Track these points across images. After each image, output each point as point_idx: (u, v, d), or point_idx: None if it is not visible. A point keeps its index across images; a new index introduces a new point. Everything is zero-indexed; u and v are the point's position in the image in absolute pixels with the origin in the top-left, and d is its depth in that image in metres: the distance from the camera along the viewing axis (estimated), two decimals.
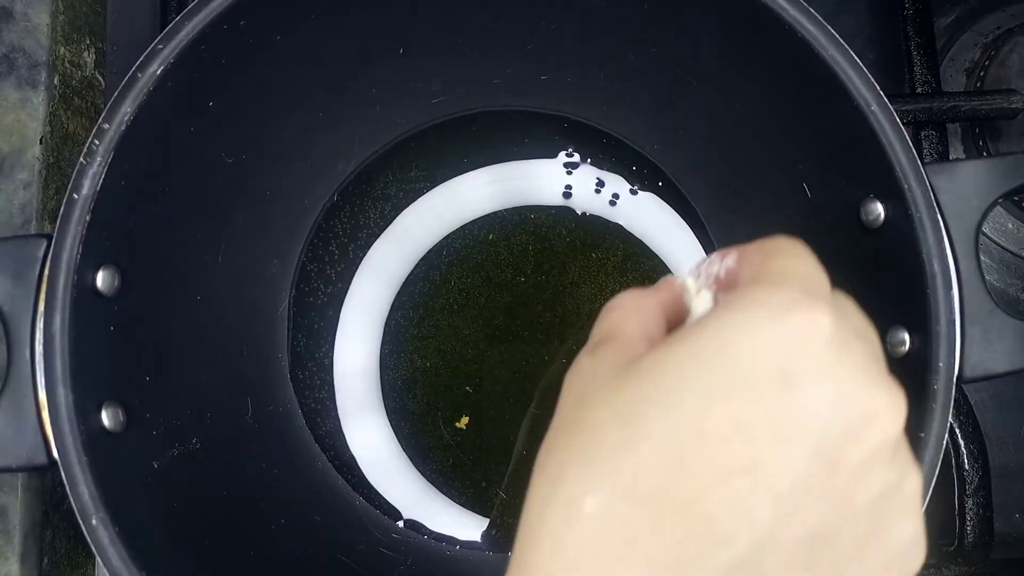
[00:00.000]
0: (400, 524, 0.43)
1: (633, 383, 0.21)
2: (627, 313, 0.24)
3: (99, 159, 0.32)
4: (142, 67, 0.33)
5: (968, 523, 0.41)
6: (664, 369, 0.20)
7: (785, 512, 0.20)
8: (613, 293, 0.44)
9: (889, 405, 0.21)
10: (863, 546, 0.21)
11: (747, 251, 0.23)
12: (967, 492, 0.41)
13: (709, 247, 0.45)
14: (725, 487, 0.20)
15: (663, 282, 0.25)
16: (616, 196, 0.45)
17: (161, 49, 0.33)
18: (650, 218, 0.45)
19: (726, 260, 0.24)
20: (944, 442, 0.31)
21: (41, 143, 0.43)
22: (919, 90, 0.45)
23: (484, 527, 0.43)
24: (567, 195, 0.45)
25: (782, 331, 0.20)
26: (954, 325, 0.32)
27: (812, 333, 0.20)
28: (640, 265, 0.45)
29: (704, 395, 0.20)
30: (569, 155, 0.46)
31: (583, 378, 0.22)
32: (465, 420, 0.44)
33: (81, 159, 0.32)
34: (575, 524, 0.20)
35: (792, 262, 0.22)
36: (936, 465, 0.31)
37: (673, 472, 0.20)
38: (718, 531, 0.20)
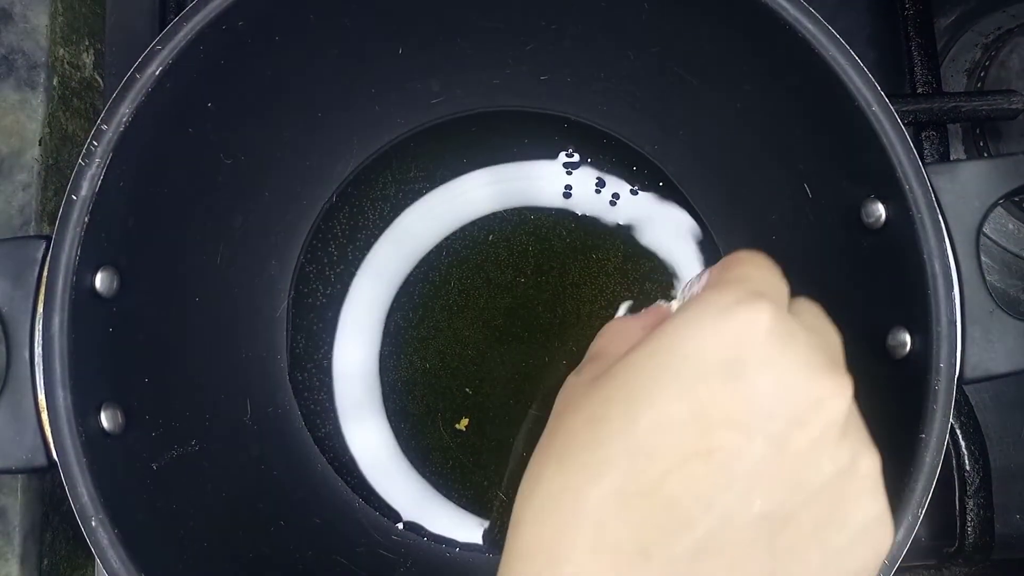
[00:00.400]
0: (400, 526, 0.43)
1: (602, 388, 0.23)
2: (612, 336, 0.27)
3: (98, 160, 0.32)
4: (140, 68, 0.33)
5: (969, 524, 0.41)
6: (627, 370, 0.22)
7: (742, 494, 0.21)
8: (614, 294, 0.44)
9: (833, 391, 0.22)
10: (823, 527, 0.23)
11: (715, 266, 0.26)
12: (968, 493, 0.41)
13: (710, 247, 0.45)
14: (683, 472, 0.21)
15: (651, 308, 0.28)
16: (616, 196, 0.45)
17: (160, 50, 0.33)
18: (650, 218, 0.45)
19: (702, 278, 0.26)
20: (945, 443, 0.31)
21: (40, 144, 0.43)
22: (919, 90, 0.45)
23: (484, 528, 0.43)
24: (567, 195, 0.45)
25: (727, 325, 0.22)
26: (955, 325, 0.32)
27: (754, 325, 0.22)
28: (640, 266, 0.45)
29: (661, 388, 0.22)
30: (569, 155, 0.46)
31: (567, 392, 0.25)
32: (465, 422, 0.44)
33: (80, 160, 0.32)
34: (551, 518, 0.22)
35: (746, 269, 0.24)
36: (937, 466, 0.31)
37: (636, 462, 0.21)
38: (679, 515, 0.21)
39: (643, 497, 0.21)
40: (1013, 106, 0.44)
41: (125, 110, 0.33)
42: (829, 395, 0.22)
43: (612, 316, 0.44)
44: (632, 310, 0.44)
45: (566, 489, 0.22)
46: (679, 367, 0.22)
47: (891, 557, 0.30)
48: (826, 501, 0.22)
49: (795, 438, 0.22)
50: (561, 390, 0.25)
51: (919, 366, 0.32)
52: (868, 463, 0.23)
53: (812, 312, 0.26)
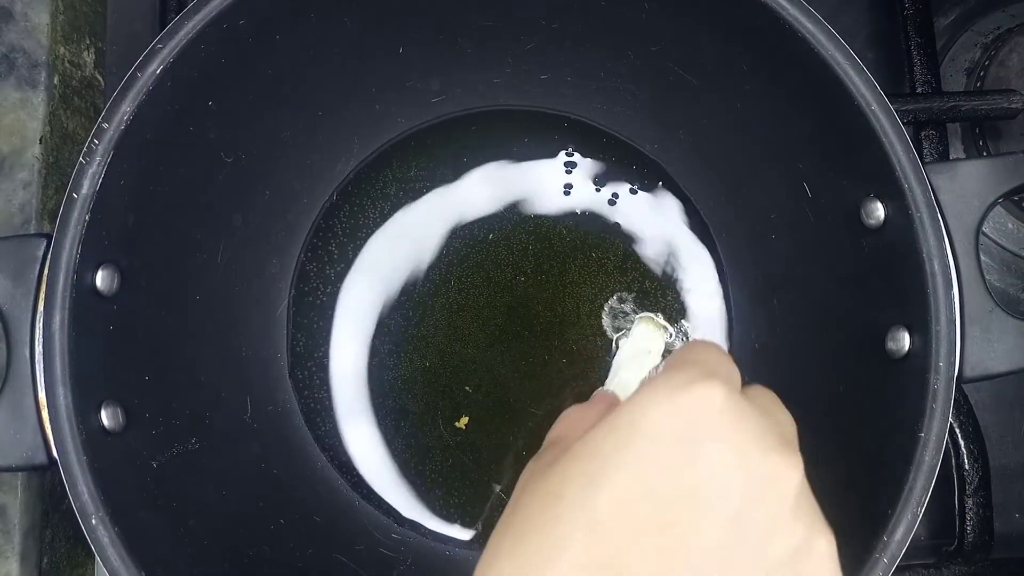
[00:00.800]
0: (399, 524, 0.43)
1: (559, 468, 0.23)
2: (569, 422, 0.28)
3: (98, 159, 0.32)
4: (141, 67, 0.33)
5: (968, 523, 0.41)
6: (584, 449, 0.23)
7: (698, 570, 0.22)
8: (613, 292, 0.44)
9: (785, 468, 0.23)
10: None
11: (671, 354, 0.27)
12: (967, 492, 0.41)
13: (710, 246, 0.45)
14: (640, 547, 0.22)
15: (599, 394, 0.31)
16: (616, 196, 0.45)
17: (160, 49, 0.33)
18: (650, 217, 0.45)
19: (660, 367, 0.27)
20: (944, 442, 0.31)
21: (41, 143, 0.43)
22: (919, 90, 0.45)
23: (483, 526, 0.43)
24: (567, 194, 0.45)
25: (682, 403, 0.23)
26: (954, 325, 0.32)
27: (708, 403, 0.23)
28: (640, 264, 0.45)
29: (618, 464, 0.22)
30: (569, 154, 0.46)
31: (525, 476, 0.25)
32: (465, 420, 0.44)
33: (81, 159, 0.32)
34: None
35: (699, 352, 0.26)
36: (936, 465, 0.31)
37: (594, 538, 0.22)
38: None
39: (601, 572, 0.21)
40: (1012, 105, 0.44)
41: (126, 109, 0.33)
42: (781, 472, 0.23)
43: (612, 319, 0.44)
44: (618, 319, 0.44)
45: (521, 572, 0.22)
46: (636, 444, 0.22)
47: (891, 556, 0.30)
48: None
49: (749, 514, 0.22)
50: (521, 475, 0.26)
51: (918, 365, 0.32)
52: (823, 542, 0.24)
53: (766, 396, 0.27)
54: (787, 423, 0.26)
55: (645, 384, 0.24)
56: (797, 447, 0.24)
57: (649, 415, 0.23)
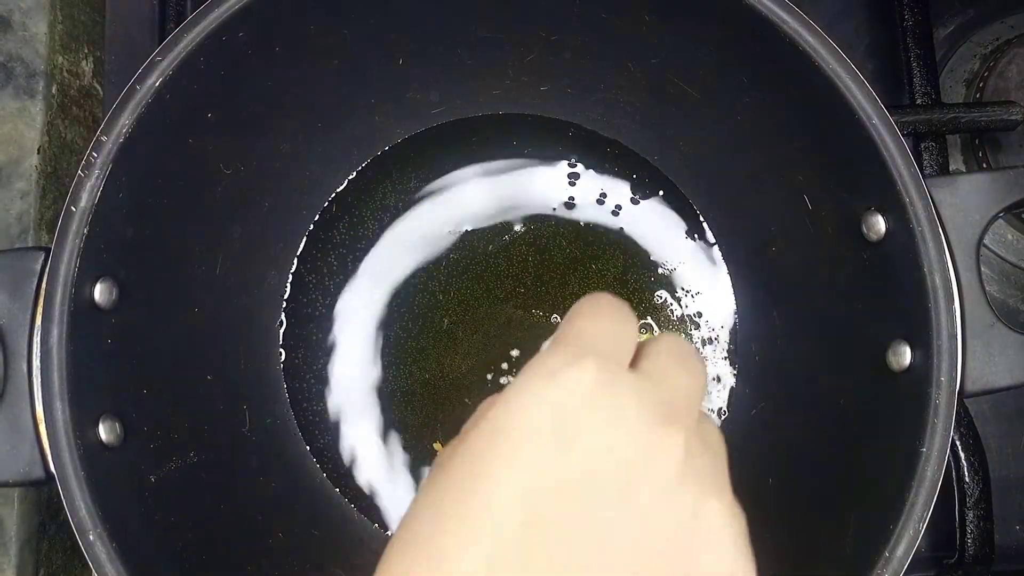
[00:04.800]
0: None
1: (439, 472, 0.23)
2: (481, 408, 0.26)
3: (97, 171, 0.32)
4: (140, 79, 0.33)
5: (969, 536, 0.41)
6: (463, 448, 0.23)
7: (593, 560, 0.21)
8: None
9: (663, 441, 0.22)
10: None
11: (560, 324, 0.26)
12: (968, 504, 0.41)
13: (711, 257, 0.45)
14: (527, 548, 0.21)
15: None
16: (619, 207, 0.45)
17: (160, 61, 0.33)
18: (652, 229, 0.45)
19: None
20: (946, 456, 0.31)
21: (39, 153, 0.43)
22: (919, 101, 0.45)
23: None
24: (568, 206, 0.45)
25: (552, 392, 0.22)
26: (955, 339, 0.32)
27: (577, 387, 0.22)
28: (640, 277, 0.45)
29: (496, 462, 0.22)
30: (572, 165, 0.46)
31: (432, 466, 0.25)
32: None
33: (79, 171, 0.32)
34: None
35: (582, 323, 0.25)
36: (938, 480, 0.31)
37: (477, 549, 0.21)
38: None
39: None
40: (1012, 117, 0.44)
41: (125, 121, 0.33)
42: (660, 445, 0.22)
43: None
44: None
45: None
46: (513, 438, 0.22)
47: (893, 572, 0.30)
48: (674, 554, 0.22)
49: (634, 496, 0.22)
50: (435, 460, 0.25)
51: (919, 380, 0.32)
52: (713, 505, 0.23)
53: (661, 356, 0.25)
54: (682, 385, 0.24)
55: (524, 369, 0.24)
56: (688, 409, 0.24)
57: (522, 409, 0.22)
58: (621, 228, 0.45)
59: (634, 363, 0.25)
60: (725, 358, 0.44)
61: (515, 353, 0.44)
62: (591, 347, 0.23)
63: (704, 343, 0.44)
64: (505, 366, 0.44)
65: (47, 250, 0.32)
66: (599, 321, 0.25)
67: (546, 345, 0.26)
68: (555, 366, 0.23)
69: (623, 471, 0.22)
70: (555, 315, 0.44)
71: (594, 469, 0.22)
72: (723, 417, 0.44)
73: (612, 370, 0.23)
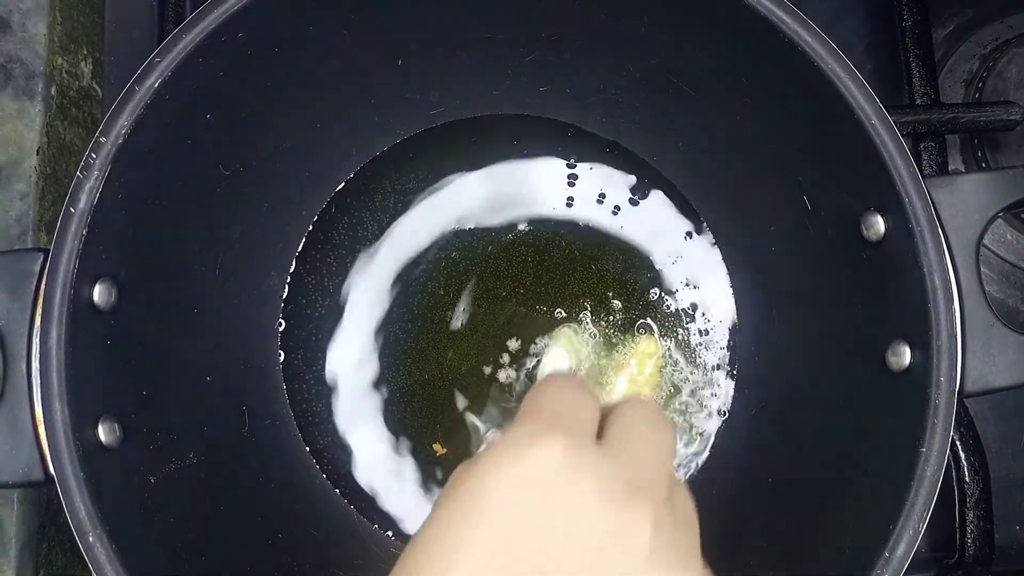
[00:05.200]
0: (398, 538, 0.43)
1: (410, 548, 0.23)
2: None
3: (96, 173, 0.32)
4: (139, 80, 0.33)
5: (969, 535, 0.41)
6: (430, 523, 0.23)
7: None
8: (613, 304, 0.44)
9: (630, 522, 0.22)
10: None
11: (527, 394, 0.26)
12: (968, 504, 0.41)
13: (711, 257, 0.45)
14: None
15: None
16: (618, 207, 0.45)
17: (159, 62, 0.33)
18: (651, 229, 0.45)
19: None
20: (946, 457, 0.31)
21: (38, 154, 0.43)
22: (918, 101, 0.45)
23: None
24: (568, 205, 0.45)
25: (520, 466, 0.22)
26: (955, 339, 0.32)
27: (545, 462, 0.22)
28: (639, 276, 0.45)
29: (467, 532, 0.22)
30: (571, 165, 0.46)
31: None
32: (464, 432, 0.44)
33: (78, 173, 0.32)
34: None
35: (546, 396, 0.25)
36: (938, 481, 0.31)
37: None
38: None
39: None
40: (1011, 117, 0.44)
41: (124, 122, 0.32)
42: (627, 526, 0.22)
43: (609, 324, 0.44)
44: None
45: None
46: (483, 509, 0.22)
47: (893, 572, 0.30)
48: None
49: (605, 567, 0.22)
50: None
51: (919, 380, 0.32)
52: None
53: (626, 425, 0.25)
54: (650, 451, 0.25)
55: (495, 441, 0.24)
56: (657, 478, 0.24)
57: (493, 486, 0.22)
58: (620, 228, 0.45)
59: (602, 430, 0.25)
60: (724, 358, 0.44)
61: (514, 345, 0.44)
62: (556, 421, 0.24)
63: (703, 343, 0.44)
64: (505, 358, 0.44)
65: (46, 251, 0.32)
66: (563, 393, 0.25)
67: (492, 437, 0.26)
68: (523, 440, 0.23)
69: (589, 556, 0.22)
70: (558, 310, 0.44)
71: (560, 556, 0.22)
72: (723, 417, 0.44)
73: (578, 446, 0.23)
